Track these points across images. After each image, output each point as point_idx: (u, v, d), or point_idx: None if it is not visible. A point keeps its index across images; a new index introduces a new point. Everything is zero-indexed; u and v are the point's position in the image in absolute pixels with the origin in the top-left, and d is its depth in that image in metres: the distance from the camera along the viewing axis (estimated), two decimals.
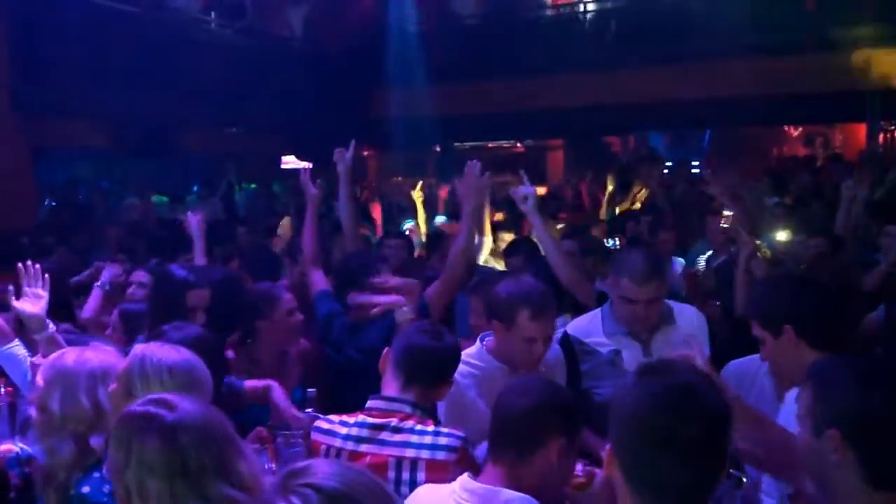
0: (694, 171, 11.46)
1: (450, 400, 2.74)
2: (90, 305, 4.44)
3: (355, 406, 2.55)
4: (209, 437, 1.80)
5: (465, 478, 2.07)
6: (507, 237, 5.61)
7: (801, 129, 12.87)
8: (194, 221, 5.15)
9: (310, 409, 3.07)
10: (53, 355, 2.51)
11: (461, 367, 2.83)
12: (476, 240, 6.50)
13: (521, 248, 4.59)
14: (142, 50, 9.24)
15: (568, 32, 12.04)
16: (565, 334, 3.25)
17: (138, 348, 2.29)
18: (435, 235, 6.84)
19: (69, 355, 2.47)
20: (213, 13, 11.14)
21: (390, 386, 2.49)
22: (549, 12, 12.73)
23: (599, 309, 3.25)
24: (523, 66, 11.98)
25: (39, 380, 2.42)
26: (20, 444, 2.65)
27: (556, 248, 3.70)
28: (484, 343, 3.00)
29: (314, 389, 3.31)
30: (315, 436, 2.51)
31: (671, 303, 3.19)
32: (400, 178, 13.45)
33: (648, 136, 13.56)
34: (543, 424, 2.06)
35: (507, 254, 4.83)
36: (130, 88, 9.06)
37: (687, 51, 10.50)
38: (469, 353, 2.94)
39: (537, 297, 2.82)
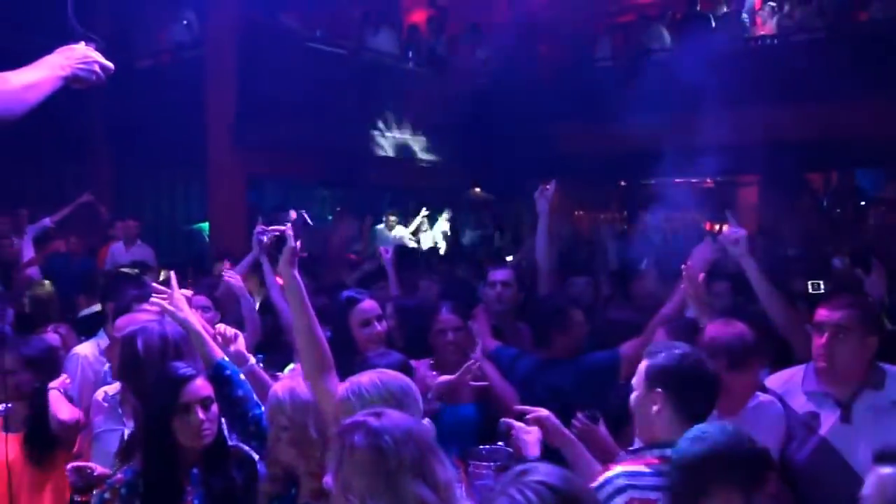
0: None
1: None
2: None
3: None
4: (410, 440, 1.85)
5: None
6: None
7: None
8: (387, 253, 5.42)
9: (500, 443, 3.07)
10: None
11: None
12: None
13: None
14: (344, 87, 9.85)
15: (762, 64, 11.51)
16: (763, 388, 3.08)
17: (365, 377, 2.34)
18: (622, 274, 6.72)
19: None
20: (409, 53, 11.64)
21: (672, 429, 2.30)
22: (741, 44, 12.26)
23: (805, 365, 3.04)
24: (716, 100, 11.57)
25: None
26: (243, 448, 2.78)
27: (773, 293, 3.45)
28: None
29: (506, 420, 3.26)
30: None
31: (886, 366, 2.95)
32: (581, 213, 13.34)
33: (855, 173, 12.61)
34: (708, 474, 1.96)
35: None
36: (332, 123, 9.63)
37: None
38: None
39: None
